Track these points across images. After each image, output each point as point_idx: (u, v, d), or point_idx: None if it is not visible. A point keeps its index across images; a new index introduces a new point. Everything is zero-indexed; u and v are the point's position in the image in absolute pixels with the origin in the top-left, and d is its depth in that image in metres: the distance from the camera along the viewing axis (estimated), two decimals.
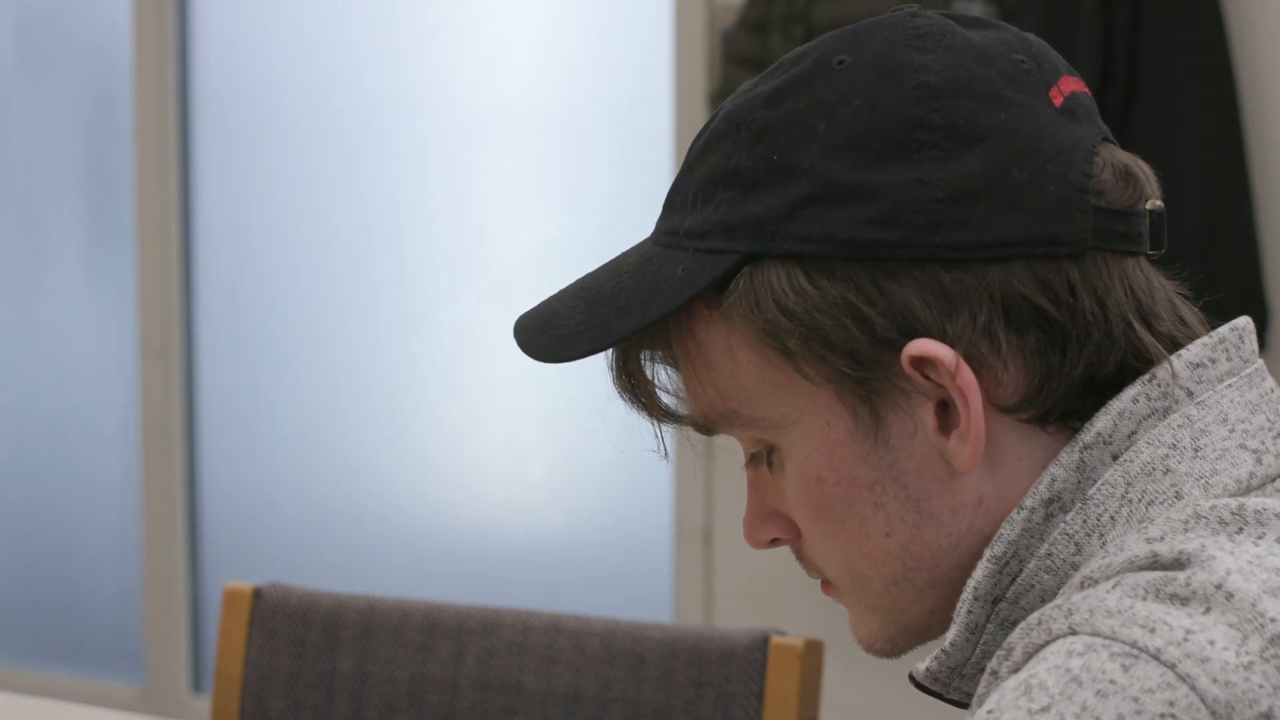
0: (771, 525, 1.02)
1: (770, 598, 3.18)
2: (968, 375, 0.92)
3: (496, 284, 3.48)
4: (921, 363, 0.93)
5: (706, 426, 1.01)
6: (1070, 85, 0.97)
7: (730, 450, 3.45)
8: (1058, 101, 0.95)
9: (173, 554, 3.68)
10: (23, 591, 3.90)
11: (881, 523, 0.97)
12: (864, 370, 0.94)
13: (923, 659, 0.98)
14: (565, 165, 3.42)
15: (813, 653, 1.72)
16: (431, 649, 1.81)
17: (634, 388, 1.02)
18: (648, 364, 1.01)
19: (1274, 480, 0.94)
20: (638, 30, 3.30)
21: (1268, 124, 2.85)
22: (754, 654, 1.71)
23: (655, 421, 1.03)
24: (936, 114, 0.93)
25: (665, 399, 1.02)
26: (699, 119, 3.11)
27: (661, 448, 1.06)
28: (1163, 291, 0.97)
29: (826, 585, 1.03)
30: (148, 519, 3.69)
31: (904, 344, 0.92)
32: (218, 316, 3.69)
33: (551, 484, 3.48)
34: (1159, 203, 0.97)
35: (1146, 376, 0.94)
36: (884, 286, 0.92)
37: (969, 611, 0.95)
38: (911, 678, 1.00)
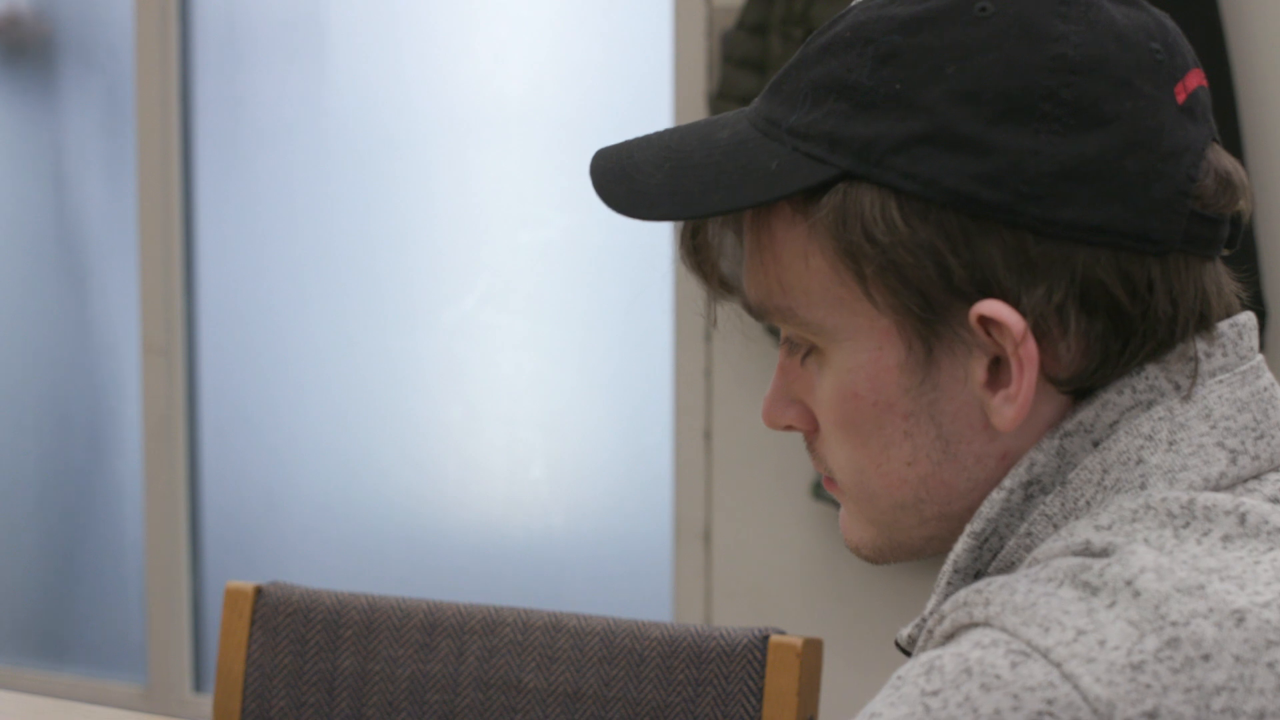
0: (792, 413, 1.03)
1: (769, 597, 3.18)
2: (1031, 347, 0.93)
3: (497, 284, 3.49)
4: (989, 322, 0.94)
5: (758, 312, 1.02)
6: (1195, 81, 0.97)
7: (729, 449, 3.42)
8: (1181, 98, 0.96)
9: (175, 553, 3.69)
10: (26, 591, 3.91)
11: (907, 452, 0.98)
12: (931, 313, 0.94)
13: (906, 626, 1.00)
14: (565, 166, 3.42)
15: (812, 651, 1.72)
16: (432, 648, 1.82)
17: (699, 258, 1.02)
18: (716, 237, 1.02)
19: (1246, 481, 0.95)
20: (637, 31, 3.31)
21: (1264, 125, 2.86)
22: (753, 653, 1.72)
23: (711, 293, 1.04)
24: (1067, 88, 0.93)
25: (726, 270, 1.02)
26: (698, 118, 3.11)
27: (712, 316, 1.06)
28: (1225, 296, 0.98)
29: (830, 483, 1.04)
30: (150, 518, 3.69)
31: (977, 299, 0.93)
32: (219, 317, 3.70)
33: (552, 484, 3.49)
34: (1244, 204, 0.98)
35: (1136, 369, 0.95)
36: (973, 241, 0.93)
37: (948, 584, 0.98)
38: (897, 644, 1.02)
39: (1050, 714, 0.83)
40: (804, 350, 1.01)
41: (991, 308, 0.93)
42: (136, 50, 3.65)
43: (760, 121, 0.99)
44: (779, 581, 3.17)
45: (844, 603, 3.12)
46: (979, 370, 0.95)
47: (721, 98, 2.99)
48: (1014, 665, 0.85)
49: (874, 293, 0.95)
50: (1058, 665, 0.85)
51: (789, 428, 1.03)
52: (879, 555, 1.04)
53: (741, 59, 2.97)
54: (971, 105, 0.93)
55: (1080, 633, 0.86)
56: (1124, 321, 0.94)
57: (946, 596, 0.97)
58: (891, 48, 0.95)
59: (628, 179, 1.00)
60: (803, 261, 0.97)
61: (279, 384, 3.69)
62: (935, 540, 1.02)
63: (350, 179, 3.61)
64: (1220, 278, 0.98)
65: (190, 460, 3.70)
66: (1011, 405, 0.94)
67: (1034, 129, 0.92)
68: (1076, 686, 0.84)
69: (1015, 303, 0.93)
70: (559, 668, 1.78)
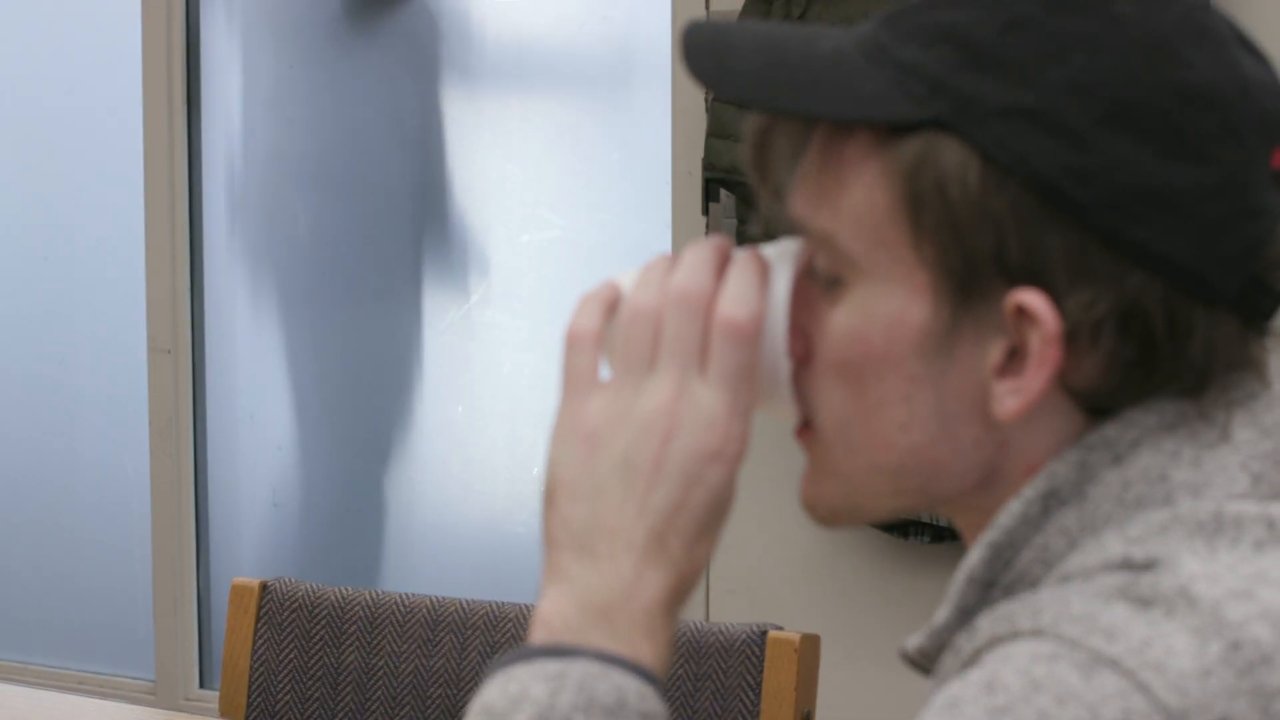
0: (792, 339, 0.99)
1: (767, 594, 3.20)
2: (1056, 351, 0.92)
3: (498, 284, 3.51)
4: (1024, 312, 0.92)
5: (799, 228, 0.99)
6: None
7: None
8: (1276, 162, 0.94)
9: (181, 550, 3.70)
10: (34, 587, 3.92)
11: (903, 415, 0.96)
12: (971, 283, 0.93)
13: (913, 636, 0.98)
14: (566, 167, 3.44)
15: (809, 647, 1.73)
16: (435, 643, 1.83)
17: (763, 156, 1.00)
18: (784, 142, 0.99)
19: (1264, 504, 0.94)
20: (637, 34, 3.33)
21: None
22: (752, 648, 1.73)
23: (762, 189, 1.02)
24: (1179, 115, 0.92)
25: (781, 178, 1.00)
26: (697, 121, 3.13)
27: (762, 223, 1.03)
28: (1262, 365, 0.96)
29: (802, 430, 1.02)
30: (156, 515, 3.71)
31: (1022, 285, 0.92)
32: (224, 316, 3.72)
33: None
34: None
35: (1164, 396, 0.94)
36: (1040, 228, 0.91)
37: (962, 594, 0.96)
38: (904, 655, 1.00)
39: None
40: (825, 277, 0.98)
41: (1033, 300, 0.91)
42: (143, 48, 3.66)
43: (867, 45, 0.96)
44: (777, 578, 3.19)
45: (841, 599, 3.14)
46: (995, 354, 0.93)
47: (719, 101, 3.00)
48: (1085, 677, 0.84)
49: (923, 246, 0.93)
50: (1129, 674, 0.84)
51: None
52: (833, 516, 1.02)
53: None
54: (1085, 99, 0.91)
55: (1146, 642, 0.85)
56: (1153, 355, 0.92)
57: (959, 607, 0.96)
58: (1025, 17, 0.93)
59: (718, 56, 0.98)
60: (865, 192, 0.95)
61: (283, 382, 3.70)
62: (894, 511, 1.00)
63: (351, 176, 3.63)
64: (1261, 346, 0.96)
65: (196, 458, 3.71)
66: (1016, 398, 0.93)
67: (1135, 143, 0.91)
68: (1150, 696, 0.83)
69: (1058, 302, 0.91)
70: None
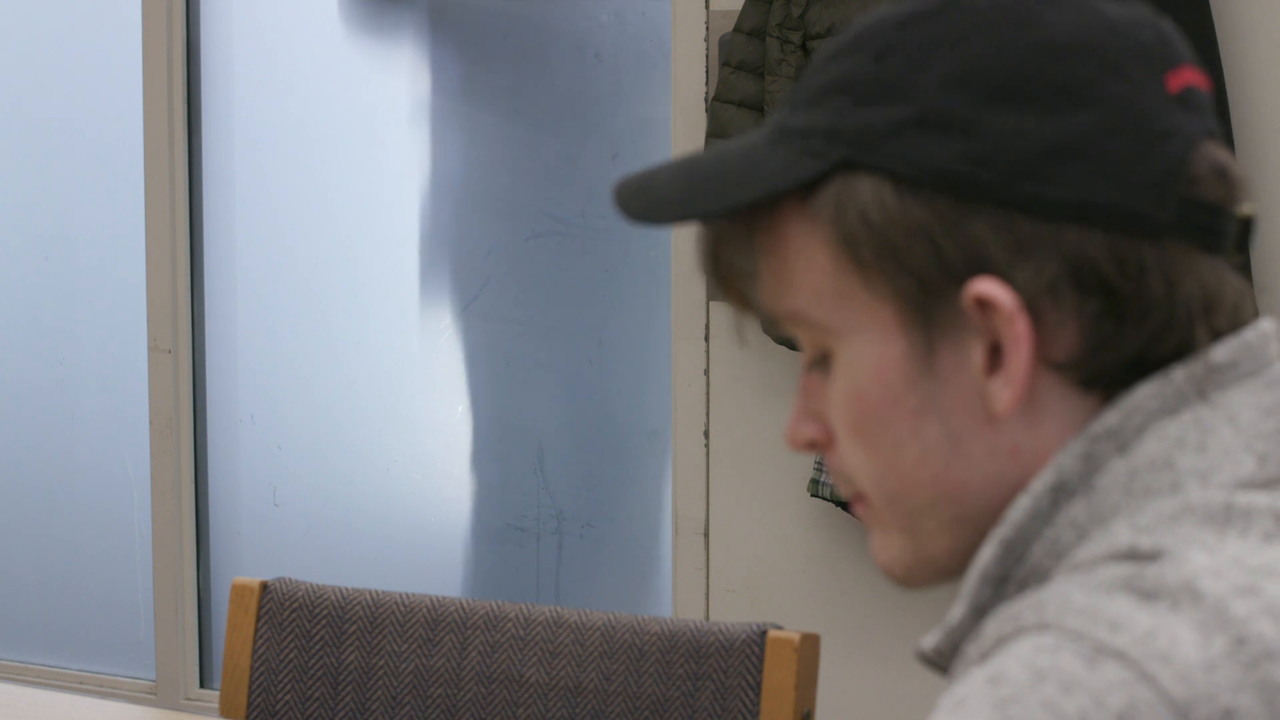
0: (811, 428, 1.03)
1: (767, 593, 3.20)
2: (1023, 324, 0.94)
3: (498, 284, 3.51)
4: (982, 302, 0.94)
5: (772, 320, 1.03)
6: (1190, 77, 0.98)
7: (727, 447, 3.44)
8: (1173, 87, 0.97)
9: (181, 550, 3.71)
10: (35, 586, 3.92)
11: (916, 451, 0.98)
12: (927, 296, 0.95)
13: (929, 636, 0.99)
14: (565, 167, 3.44)
15: (809, 646, 1.74)
16: (435, 643, 1.84)
17: (717, 269, 1.03)
18: (732, 249, 1.03)
19: (1272, 485, 0.94)
20: (636, 34, 3.33)
21: (1255, 128, 2.87)
22: (751, 648, 1.73)
23: (732, 306, 1.05)
24: (1052, 70, 0.95)
25: (744, 287, 1.03)
26: (696, 122, 3.14)
27: (741, 335, 1.08)
28: (1232, 292, 0.98)
29: (858, 502, 1.04)
30: (157, 515, 3.71)
31: (970, 280, 0.94)
32: (224, 316, 3.72)
33: (553, 481, 3.51)
34: (1252, 208, 0.98)
35: (1162, 375, 0.95)
36: (964, 221, 0.94)
37: (976, 591, 0.97)
38: (922, 655, 1.00)
39: (1133, 712, 0.83)
40: (819, 360, 1.01)
41: (983, 286, 0.94)
42: (143, 48, 3.67)
43: (772, 130, 1.01)
44: (777, 577, 3.20)
45: (841, 598, 3.14)
46: (977, 355, 0.95)
47: (719, 101, 3.01)
48: (1089, 666, 0.85)
49: (873, 280, 0.96)
50: (1134, 665, 0.84)
51: (810, 445, 1.03)
52: (908, 575, 1.03)
53: (739, 63, 2.99)
54: (960, 89, 0.95)
55: (1151, 633, 0.85)
56: (1117, 301, 0.94)
57: (974, 605, 0.97)
58: (888, 43, 0.97)
59: (645, 192, 1.03)
60: (805, 257, 0.98)
61: (284, 382, 3.71)
62: (959, 554, 1.00)
63: (354, 177, 3.64)
64: (1223, 274, 0.97)
65: (196, 458, 3.72)
66: (1009, 388, 0.94)
67: (1021, 110, 0.94)
68: (1155, 686, 0.84)
69: (1008, 281, 0.94)
70: (560, 662, 1.80)
